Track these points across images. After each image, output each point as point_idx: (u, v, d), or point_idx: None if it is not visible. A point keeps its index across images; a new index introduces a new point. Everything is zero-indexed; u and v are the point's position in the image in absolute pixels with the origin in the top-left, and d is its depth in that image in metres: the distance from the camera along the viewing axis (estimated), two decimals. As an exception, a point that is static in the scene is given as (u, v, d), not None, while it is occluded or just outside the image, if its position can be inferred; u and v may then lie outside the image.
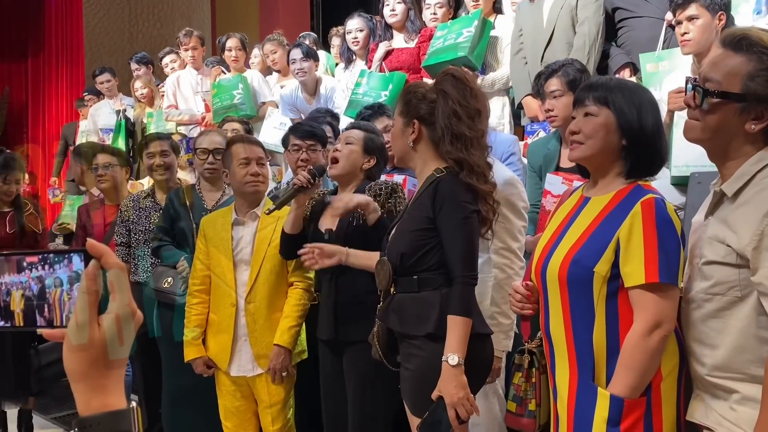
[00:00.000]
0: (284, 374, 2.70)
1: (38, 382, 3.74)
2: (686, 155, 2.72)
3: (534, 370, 1.87)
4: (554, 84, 2.91)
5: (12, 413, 4.06)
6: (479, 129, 2.07)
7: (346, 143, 2.63)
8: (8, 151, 4.88)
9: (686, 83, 1.63)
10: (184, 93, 5.61)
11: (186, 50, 5.64)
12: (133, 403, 0.83)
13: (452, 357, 1.93)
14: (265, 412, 2.77)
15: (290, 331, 2.68)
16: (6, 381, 3.82)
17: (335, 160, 2.60)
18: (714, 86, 1.57)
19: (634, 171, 1.76)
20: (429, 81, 4.08)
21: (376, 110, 3.41)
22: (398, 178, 3.08)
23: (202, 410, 3.03)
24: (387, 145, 2.72)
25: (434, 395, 1.94)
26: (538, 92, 3.03)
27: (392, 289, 2.13)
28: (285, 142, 3.23)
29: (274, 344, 2.66)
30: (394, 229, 2.17)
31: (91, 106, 6.72)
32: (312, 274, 2.77)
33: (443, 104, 2.05)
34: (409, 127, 2.11)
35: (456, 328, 1.95)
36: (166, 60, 5.99)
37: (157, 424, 3.39)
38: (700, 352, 1.62)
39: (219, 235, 2.81)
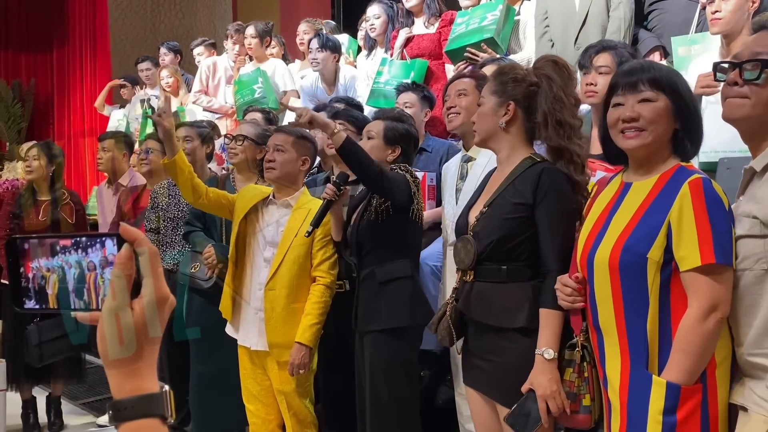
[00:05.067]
0: (301, 371, 2.73)
1: (39, 357, 3.76)
2: (714, 140, 2.65)
3: (586, 364, 1.83)
4: (605, 59, 2.77)
5: (41, 400, 4.12)
6: (580, 119, 2.01)
7: (368, 138, 2.63)
8: None
9: (714, 68, 1.57)
10: (216, 80, 5.61)
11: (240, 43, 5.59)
12: (166, 387, 0.84)
13: (547, 351, 1.87)
14: (280, 397, 2.84)
15: (312, 328, 2.72)
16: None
17: None
18: None
19: (682, 154, 1.71)
20: (450, 67, 4.08)
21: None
22: (417, 174, 3.06)
23: (228, 396, 3.06)
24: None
25: (524, 388, 1.90)
26: (582, 65, 2.91)
27: (469, 277, 2.05)
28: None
29: (296, 342, 2.71)
30: (479, 212, 2.05)
31: (124, 94, 6.76)
32: (335, 271, 2.81)
33: (547, 89, 1.99)
34: (503, 108, 2.06)
35: (550, 322, 1.89)
36: (196, 51, 5.99)
37: (184, 408, 3.43)
38: (738, 332, 1.59)
39: (250, 202, 2.88)
